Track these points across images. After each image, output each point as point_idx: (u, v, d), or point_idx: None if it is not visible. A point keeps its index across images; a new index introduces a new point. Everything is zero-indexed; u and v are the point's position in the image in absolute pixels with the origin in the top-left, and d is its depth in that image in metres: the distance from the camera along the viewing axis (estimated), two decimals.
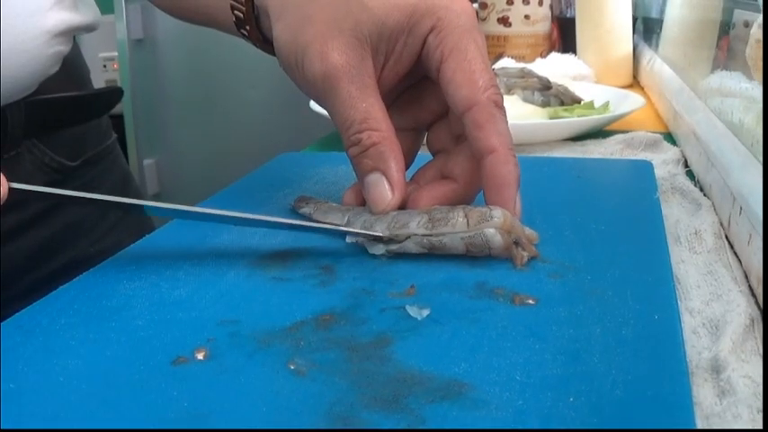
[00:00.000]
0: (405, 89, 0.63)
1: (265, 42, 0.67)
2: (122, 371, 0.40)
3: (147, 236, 0.61)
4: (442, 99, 0.59)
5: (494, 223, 0.53)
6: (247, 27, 0.66)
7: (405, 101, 0.63)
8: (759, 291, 0.53)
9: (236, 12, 0.66)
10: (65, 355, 0.42)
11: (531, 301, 0.47)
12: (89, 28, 0.89)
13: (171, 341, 0.43)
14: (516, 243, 0.54)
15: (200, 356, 0.41)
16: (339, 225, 0.59)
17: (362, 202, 0.61)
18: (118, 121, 2.77)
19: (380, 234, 0.55)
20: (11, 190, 0.47)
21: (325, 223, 0.60)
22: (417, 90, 0.63)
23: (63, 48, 0.83)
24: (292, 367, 0.40)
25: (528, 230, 0.55)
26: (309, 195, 0.66)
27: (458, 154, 0.61)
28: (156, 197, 2.85)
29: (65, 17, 0.82)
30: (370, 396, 0.37)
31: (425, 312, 0.46)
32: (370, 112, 0.56)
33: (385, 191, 0.57)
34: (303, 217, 0.63)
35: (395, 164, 0.57)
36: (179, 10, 0.79)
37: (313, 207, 0.63)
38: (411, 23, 0.57)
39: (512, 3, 1.69)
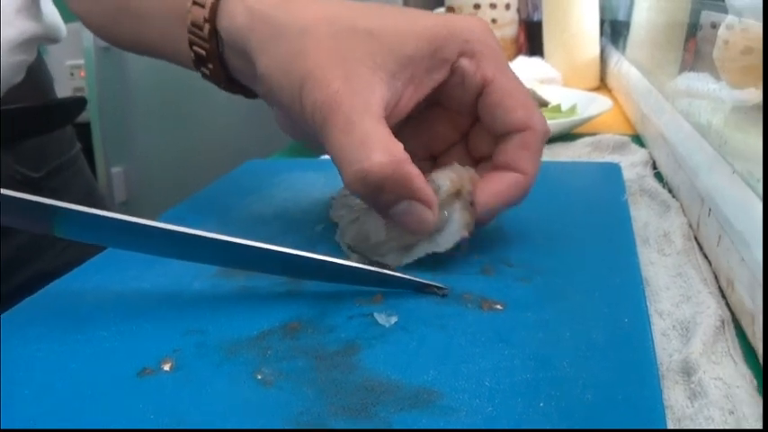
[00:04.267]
0: (411, 118, 0.58)
1: (230, 82, 0.62)
2: (88, 383, 0.40)
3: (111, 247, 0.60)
4: (458, 125, 0.58)
5: (444, 192, 0.53)
6: (210, 66, 0.61)
7: (412, 129, 0.60)
8: (729, 292, 0.53)
9: (195, 48, 0.60)
10: (30, 368, 0.41)
11: (499, 307, 0.47)
12: (53, 38, 0.88)
13: (137, 352, 0.43)
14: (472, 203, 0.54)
15: (166, 368, 0.41)
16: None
17: None
18: (85, 129, 2.75)
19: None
20: None
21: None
22: (426, 118, 0.60)
23: (27, 57, 0.82)
24: (259, 377, 0.39)
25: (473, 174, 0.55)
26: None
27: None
28: (124, 205, 2.83)
29: (28, 27, 0.81)
30: (338, 405, 0.37)
31: (393, 319, 0.46)
32: (375, 137, 0.50)
33: (424, 213, 0.51)
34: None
35: (417, 181, 0.50)
36: (117, 39, 0.71)
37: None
38: (433, 48, 0.53)
39: (478, 7, 1.69)
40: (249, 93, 0.64)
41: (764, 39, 0.61)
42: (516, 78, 0.55)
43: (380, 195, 0.50)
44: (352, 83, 0.51)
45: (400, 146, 0.50)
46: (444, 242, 0.54)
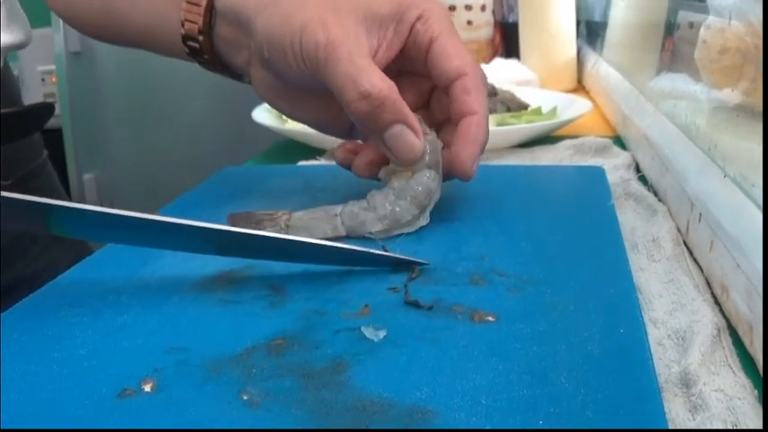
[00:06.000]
0: None
1: (213, 55, 0.69)
2: (66, 406, 0.38)
3: (87, 258, 0.58)
4: (420, 90, 0.67)
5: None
6: (200, 38, 0.67)
7: None
8: (723, 299, 0.52)
9: (187, 23, 0.67)
10: (5, 390, 0.39)
11: (490, 318, 0.46)
12: (20, 46, 0.87)
13: (116, 372, 0.41)
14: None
15: (147, 388, 0.39)
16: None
17: (352, 160, 0.66)
18: (56, 136, 2.73)
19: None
20: None
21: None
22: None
23: None
24: (245, 398, 0.38)
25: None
26: (246, 211, 0.64)
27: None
28: None
29: None
30: (330, 427, 0.35)
31: (382, 333, 0.44)
32: (372, 69, 0.58)
33: (414, 138, 0.60)
34: None
35: (408, 110, 0.59)
36: (104, 29, 0.77)
37: (275, 224, 0.62)
38: (400, 13, 0.61)
39: (454, 9, 1.67)
40: (226, 69, 0.71)
41: (764, 39, 0.60)
42: (458, 38, 0.63)
43: (380, 114, 0.58)
44: (347, 29, 0.58)
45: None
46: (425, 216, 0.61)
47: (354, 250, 0.54)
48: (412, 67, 0.65)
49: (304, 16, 0.59)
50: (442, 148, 0.63)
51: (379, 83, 0.57)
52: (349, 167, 0.66)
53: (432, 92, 0.67)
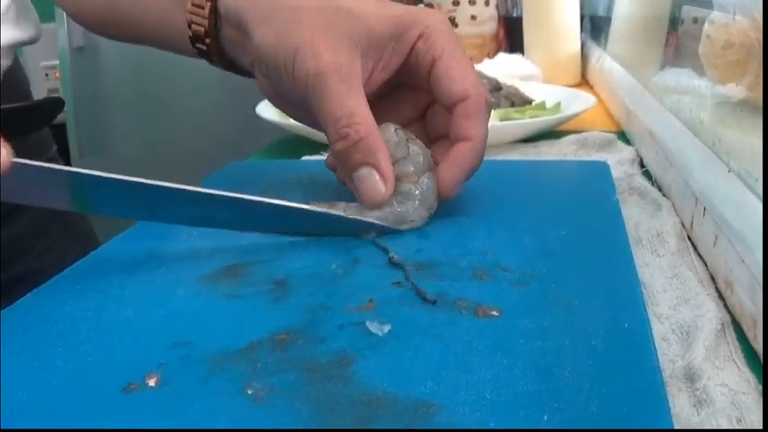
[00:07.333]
0: (378, 97, 0.65)
1: (221, 55, 0.69)
2: (71, 401, 0.38)
3: (91, 253, 0.58)
4: (417, 104, 0.67)
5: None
6: (207, 40, 0.67)
7: (380, 108, 0.63)
8: (728, 294, 0.52)
9: (195, 26, 0.67)
10: (9, 386, 0.39)
11: (495, 313, 0.46)
12: (31, 41, 0.87)
13: (120, 367, 0.41)
14: None
15: (151, 383, 0.39)
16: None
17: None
18: (60, 131, 2.73)
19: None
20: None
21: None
22: (392, 98, 0.67)
23: (4, 61, 0.81)
24: (250, 392, 0.38)
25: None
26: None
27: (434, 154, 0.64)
28: None
29: (7, 33, 0.80)
30: (334, 422, 0.35)
31: (386, 328, 0.44)
32: (357, 108, 0.58)
33: (378, 183, 0.59)
34: None
35: (383, 157, 0.59)
36: (110, 27, 0.79)
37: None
38: (399, 32, 0.61)
39: (458, 3, 1.67)
40: (236, 68, 0.71)
41: (764, 39, 0.60)
42: (462, 57, 0.62)
43: (352, 154, 0.58)
44: (339, 56, 0.58)
45: (374, 121, 0.59)
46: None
47: (325, 214, 0.59)
48: (411, 80, 0.64)
49: (297, 39, 0.59)
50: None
51: (357, 123, 0.58)
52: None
53: (429, 105, 0.67)
